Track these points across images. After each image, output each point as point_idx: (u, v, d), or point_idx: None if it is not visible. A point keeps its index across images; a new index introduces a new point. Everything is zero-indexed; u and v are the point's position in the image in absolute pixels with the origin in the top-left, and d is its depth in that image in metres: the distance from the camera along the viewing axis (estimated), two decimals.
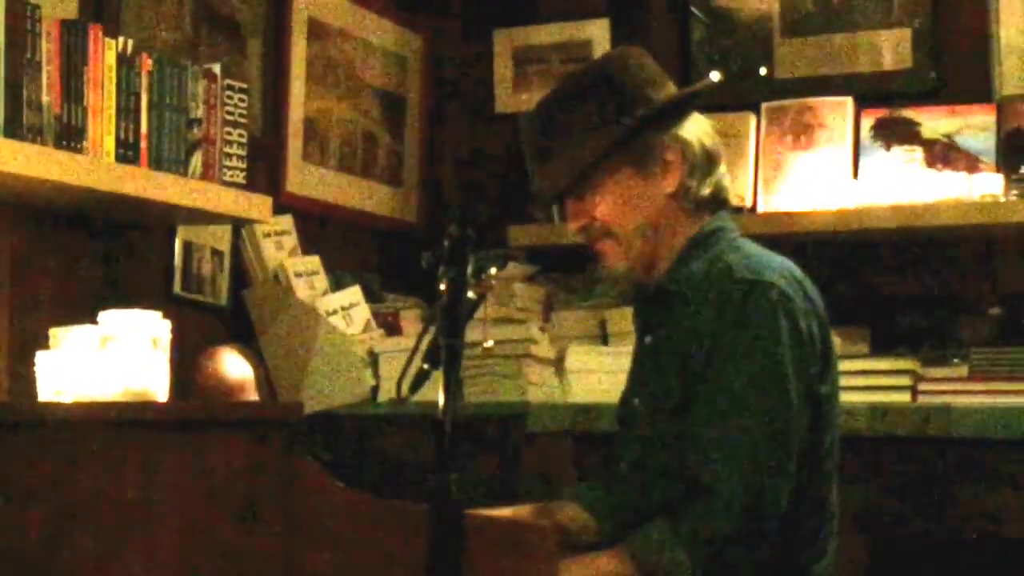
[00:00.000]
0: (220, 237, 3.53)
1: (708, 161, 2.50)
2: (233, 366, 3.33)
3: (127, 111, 2.91)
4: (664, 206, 2.48)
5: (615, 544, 2.38)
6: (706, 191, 2.50)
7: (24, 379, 2.71)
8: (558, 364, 3.59)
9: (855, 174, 3.77)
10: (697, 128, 2.51)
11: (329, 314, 3.61)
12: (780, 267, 2.43)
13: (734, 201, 3.71)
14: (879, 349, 3.62)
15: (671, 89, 2.53)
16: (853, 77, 3.94)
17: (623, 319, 3.54)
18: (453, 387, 1.97)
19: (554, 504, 2.66)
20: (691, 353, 2.38)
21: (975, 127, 3.68)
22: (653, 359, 2.50)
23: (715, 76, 2.59)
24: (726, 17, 4.11)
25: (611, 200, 2.48)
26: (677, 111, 2.50)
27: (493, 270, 2.34)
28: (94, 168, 2.81)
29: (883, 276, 3.85)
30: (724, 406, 2.32)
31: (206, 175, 3.09)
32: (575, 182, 2.48)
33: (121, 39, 2.93)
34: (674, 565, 2.27)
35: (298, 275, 3.68)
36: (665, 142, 2.47)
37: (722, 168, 2.53)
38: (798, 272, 2.46)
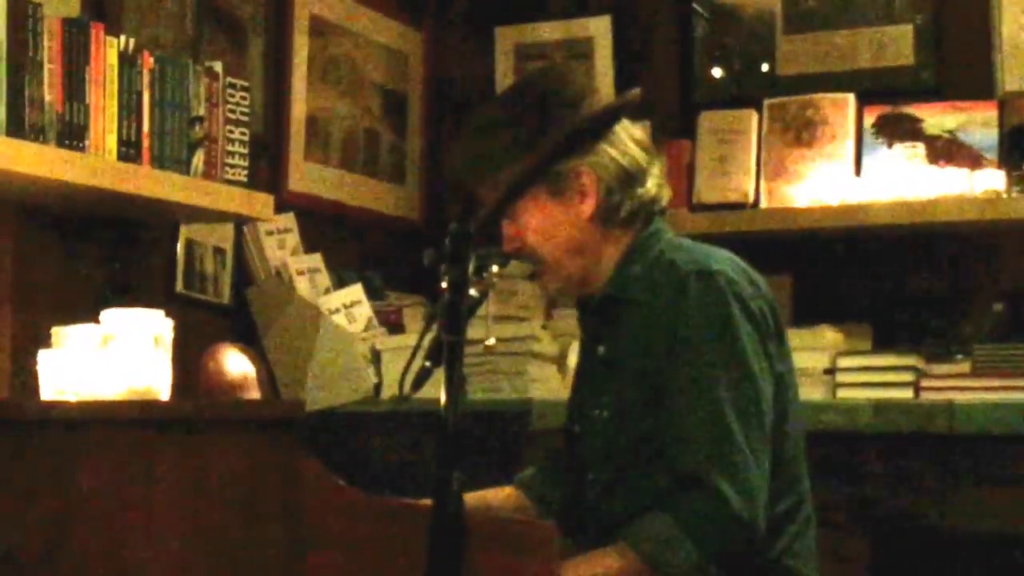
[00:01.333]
0: (222, 235, 3.53)
1: (627, 179, 2.48)
2: (235, 364, 3.32)
3: (129, 109, 2.91)
4: (585, 229, 2.49)
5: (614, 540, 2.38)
6: (626, 210, 2.49)
7: (26, 378, 2.71)
8: (560, 361, 3.59)
9: (857, 171, 3.77)
10: (615, 147, 2.49)
11: (331, 312, 3.61)
12: (722, 257, 2.46)
13: (739, 198, 3.77)
14: (881, 345, 3.62)
15: (592, 107, 2.50)
16: (855, 73, 3.94)
17: None
18: (455, 385, 1.97)
19: (494, 490, 2.69)
20: (652, 353, 2.39)
21: (977, 123, 3.68)
22: (612, 368, 2.50)
23: (635, 91, 2.56)
24: (728, 13, 4.10)
25: (533, 225, 2.49)
26: (592, 133, 2.48)
27: (495, 268, 2.35)
28: (96, 167, 2.81)
29: (885, 272, 3.85)
30: (693, 395, 2.34)
31: (208, 173, 3.09)
32: (494, 211, 2.49)
33: (123, 37, 2.93)
34: (684, 555, 2.27)
35: (300, 273, 3.68)
36: (578, 167, 2.47)
37: (649, 182, 2.51)
38: (740, 261, 2.49)
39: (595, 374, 2.56)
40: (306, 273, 3.70)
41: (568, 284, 2.56)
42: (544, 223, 2.49)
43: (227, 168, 3.14)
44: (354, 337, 3.60)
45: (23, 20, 2.68)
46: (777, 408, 2.41)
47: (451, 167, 2.60)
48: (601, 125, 2.50)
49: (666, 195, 2.57)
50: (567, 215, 2.49)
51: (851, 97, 3.83)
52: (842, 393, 3.34)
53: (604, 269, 2.52)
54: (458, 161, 2.58)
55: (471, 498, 2.58)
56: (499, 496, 2.69)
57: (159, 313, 2.58)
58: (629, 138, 2.51)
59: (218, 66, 3.15)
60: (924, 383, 3.32)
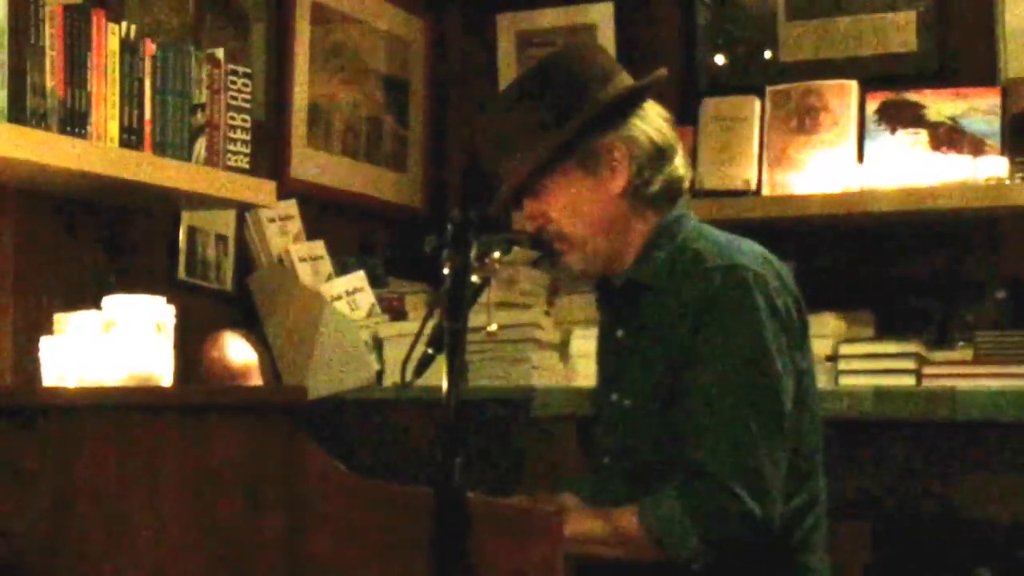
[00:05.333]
0: (224, 222, 3.53)
1: (658, 156, 2.49)
2: (237, 351, 3.33)
3: (131, 96, 2.91)
4: (615, 206, 2.49)
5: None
6: (657, 187, 2.50)
7: (28, 364, 2.71)
8: (562, 348, 3.59)
9: (860, 157, 3.76)
10: (646, 123, 2.50)
11: (334, 299, 3.61)
12: (749, 250, 2.46)
13: (741, 185, 3.77)
14: (884, 332, 3.62)
15: (620, 85, 2.52)
16: (858, 60, 3.93)
17: None
18: (457, 371, 1.97)
19: (551, 495, 2.67)
20: (673, 343, 2.39)
21: (980, 110, 3.67)
22: (631, 353, 2.50)
23: (662, 71, 2.57)
24: (731, 0, 4.10)
25: (561, 203, 2.49)
26: (621, 110, 2.49)
27: (497, 254, 2.34)
28: (98, 153, 2.81)
29: (888, 259, 3.84)
30: (712, 390, 2.34)
31: (210, 160, 3.09)
32: (523, 187, 2.49)
33: (124, 24, 2.93)
34: (686, 539, 2.29)
35: (302, 260, 3.68)
36: (611, 142, 2.47)
37: (676, 160, 2.53)
38: (766, 252, 2.49)
39: (613, 358, 2.56)
40: (308, 260, 3.70)
41: (593, 264, 2.54)
42: (573, 199, 2.48)
43: (229, 155, 3.14)
44: (356, 324, 3.60)
45: (25, 6, 2.67)
46: (796, 404, 2.41)
47: (477, 144, 2.58)
48: (633, 101, 2.50)
49: (689, 175, 2.58)
50: (597, 191, 2.48)
51: (854, 84, 3.82)
52: (844, 380, 3.34)
53: (630, 250, 2.51)
54: (485, 137, 2.58)
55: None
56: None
57: (161, 300, 2.58)
58: (658, 115, 2.52)
59: (220, 53, 3.15)
60: (926, 370, 3.32)
